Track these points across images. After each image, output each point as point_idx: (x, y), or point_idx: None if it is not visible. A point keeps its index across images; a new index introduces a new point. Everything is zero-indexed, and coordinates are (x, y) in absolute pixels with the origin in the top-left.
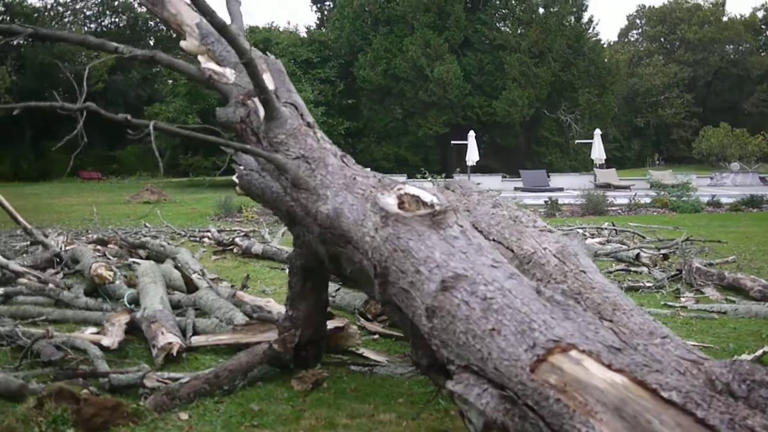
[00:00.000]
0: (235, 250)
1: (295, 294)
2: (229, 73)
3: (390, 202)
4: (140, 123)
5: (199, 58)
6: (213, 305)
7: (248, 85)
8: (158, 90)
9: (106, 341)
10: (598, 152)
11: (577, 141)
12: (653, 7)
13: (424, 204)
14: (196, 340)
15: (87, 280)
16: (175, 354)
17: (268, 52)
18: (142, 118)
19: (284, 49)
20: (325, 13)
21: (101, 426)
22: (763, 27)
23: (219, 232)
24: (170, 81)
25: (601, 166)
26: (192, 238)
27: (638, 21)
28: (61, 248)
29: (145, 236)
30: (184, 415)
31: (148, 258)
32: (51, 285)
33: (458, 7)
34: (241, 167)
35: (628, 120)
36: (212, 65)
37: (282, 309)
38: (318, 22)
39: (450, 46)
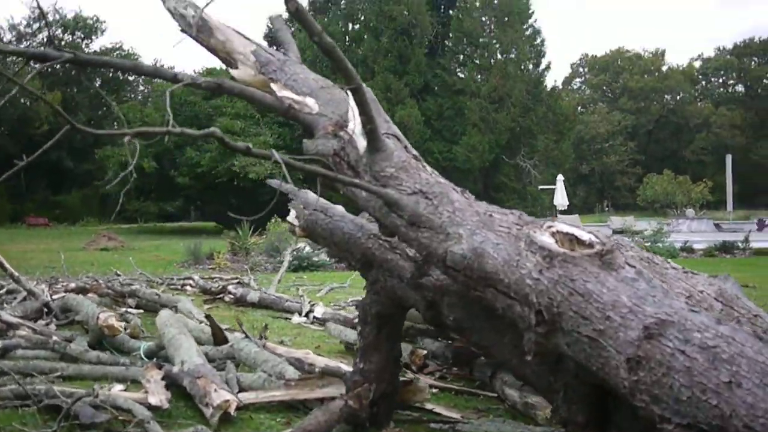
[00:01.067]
0: (227, 299)
1: (368, 344)
2: (311, 103)
3: (548, 240)
4: (261, 153)
5: (273, 86)
6: (258, 358)
7: (333, 115)
8: None
9: (153, 399)
10: (561, 197)
11: (540, 187)
12: (596, 56)
13: (581, 243)
14: (245, 397)
15: (92, 332)
16: (233, 413)
17: None
18: (89, 161)
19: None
20: None
21: None
22: (700, 77)
23: (203, 279)
24: (115, 124)
25: (563, 213)
26: (171, 286)
27: (581, 69)
28: (47, 297)
29: (131, 284)
30: None
31: (137, 308)
32: (55, 338)
33: (418, 52)
34: (302, 207)
35: (573, 167)
36: (290, 94)
37: (322, 361)
38: None
39: (410, 91)
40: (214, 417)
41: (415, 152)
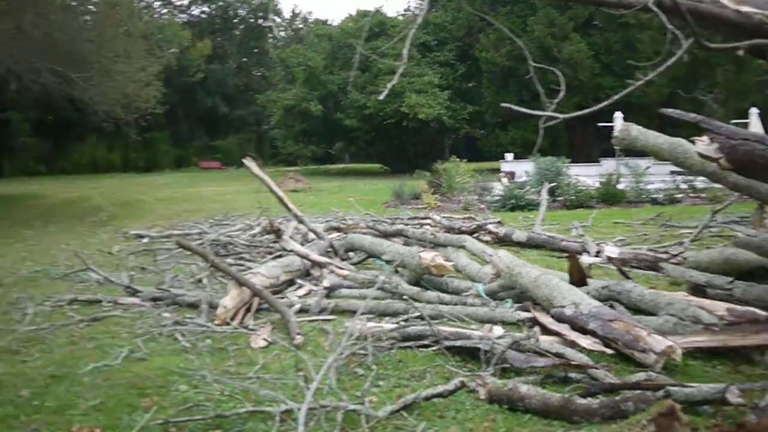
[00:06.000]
0: (485, 238)
1: None
2: None
3: None
4: None
5: (724, 1)
6: (657, 300)
7: None
8: (255, 78)
9: (585, 343)
10: (757, 130)
11: (732, 121)
12: None
13: None
14: None
15: (412, 271)
16: (679, 359)
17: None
18: (241, 107)
19: (401, 32)
20: None
21: None
22: None
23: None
24: (278, 68)
25: None
26: (408, 225)
27: None
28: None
29: (393, 223)
30: None
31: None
32: (382, 277)
33: None
34: (722, 136)
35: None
36: (751, 9)
37: (713, 304)
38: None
39: (574, 25)
40: (658, 363)
41: None
